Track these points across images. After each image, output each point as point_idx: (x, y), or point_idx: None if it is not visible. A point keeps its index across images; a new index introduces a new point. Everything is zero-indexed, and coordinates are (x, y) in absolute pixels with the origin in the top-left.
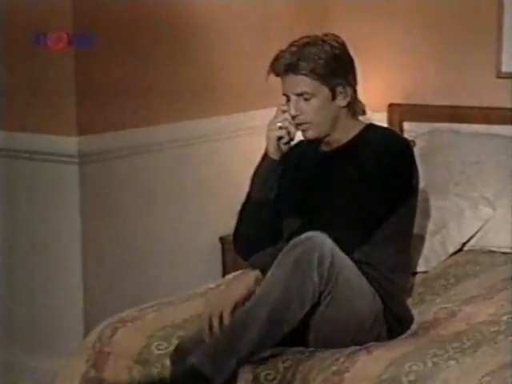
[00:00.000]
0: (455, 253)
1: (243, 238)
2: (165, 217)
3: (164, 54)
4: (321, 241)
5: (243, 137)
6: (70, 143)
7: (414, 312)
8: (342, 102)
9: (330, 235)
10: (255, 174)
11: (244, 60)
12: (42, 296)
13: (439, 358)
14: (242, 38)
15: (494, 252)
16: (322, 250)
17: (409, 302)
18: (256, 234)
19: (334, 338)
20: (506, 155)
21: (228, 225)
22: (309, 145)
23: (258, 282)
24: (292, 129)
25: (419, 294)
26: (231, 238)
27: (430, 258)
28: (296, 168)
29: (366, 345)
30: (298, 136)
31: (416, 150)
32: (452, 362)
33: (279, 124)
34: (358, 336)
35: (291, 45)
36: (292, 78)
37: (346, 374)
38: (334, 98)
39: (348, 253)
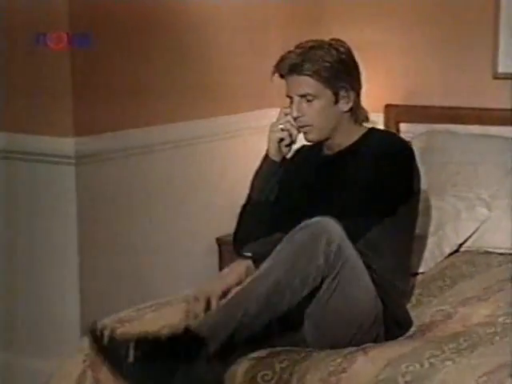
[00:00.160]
0: (452, 254)
1: (243, 239)
2: (161, 218)
3: (161, 55)
4: (330, 225)
5: (240, 138)
6: (67, 144)
7: (411, 315)
8: (344, 106)
9: None
10: (256, 175)
11: (241, 61)
12: (39, 296)
13: (436, 358)
14: (239, 39)
15: (490, 253)
16: (330, 234)
17: (406, 303)
18: (256, 235)
19: (333, 336)
20: (502, 156)
21: (225, 226)
22: (311, 149)
23: (248, 271)
24: (294, 131)
25: (416, 296)
26: (228, 238)
27: (426, 258)
28: (298, 172)
29: (363, 345)
30: (301, 140)
31: None
32: (448, 363)
33: (281, 126)
34: (357, 336)
35: (297, 46)
36: (296, 79)
37: (343, 375)
38: (336, 101)
39: None
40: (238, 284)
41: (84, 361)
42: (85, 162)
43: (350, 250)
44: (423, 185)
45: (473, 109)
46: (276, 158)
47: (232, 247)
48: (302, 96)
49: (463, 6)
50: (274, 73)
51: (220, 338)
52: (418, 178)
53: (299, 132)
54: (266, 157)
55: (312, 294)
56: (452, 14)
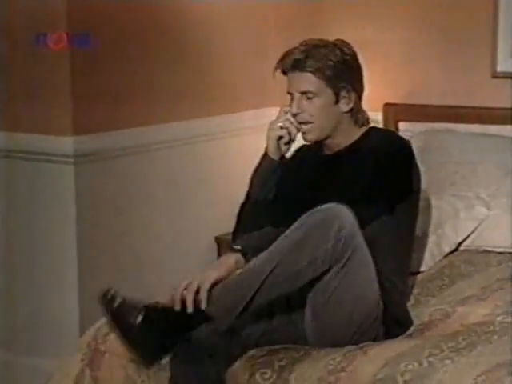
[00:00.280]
0: (450, 253)
1: (239, 234)
2: (160, 216)
3: (160, 55)
4: (343, 211)
5: (239, 137)
6: (66, 143)
7: (410, 314)
8: (344, 107)
9: None
10: (254, 173)
11: (240, 60)
12: (38, 295)
13: (434, 357)
14: (238, 38)
15: (489, 252)
16: (342, 220)
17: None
18: (252, 231)
19: (333, 330)
20: (501, 155)
21: (223, 224)
22: (310, 149)
23: (238, 264)
24: (293, 129)
25: (415, 295)
26: (227, 237)
27: (425, 258)
28: (297, 171)
29: (362, 344)
30: (299, 140)
31: None
32: (447, 362)
33: (280, 124)
34: (356, 336)
35: (301, 44)
36: (298, 76)
37: (342, 374)
38: (337, 101)
39: None
40: (226, 277)
41: (82, 360)
42: (84, 161)
43: (360, 238)
44: (422, 184)
45: (472, 108)
46: (275, 156)
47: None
48: (303, 93)
49: (462, 5)
50: (276, 69)
51: (228, 319)
52: (418, 176)
53: (298, 131)
54: (265, 155)
55: (317, 279)
56: (451, 13)
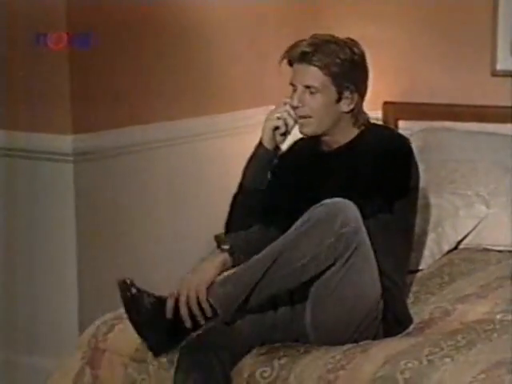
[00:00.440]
0: (450, 251)
1: (234, 227)
2: (159, 215)
3: (159, 54)
4: (348, 207)
5: (239, 135)
6: (65, 141)
7: (410, 312)
8: (345, 107)
9: None
10: (248, 163)
11: (239, 59)
12: (37, 294)
13: (434, 355)
14: (237, 37)
15: (488, 250)
16: (346, 215)
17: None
18: (246, 224)
19: (334, 329)
20: (501, 153)
21: (223, 223)
22: (307, 144)
23: (226, 264)
24: (290, 121)
25: (414, 293)
26: None
27: (424, 256)
28: (294, 166)
29: (362, 342)
30: (296, 134)
31: None
32: (447, 360)
33: (278, 114)
34: (356, 334)
35: (311, 36)
36: (304, 68)
37: (341, 372)
38: (338, 100)
39: None
40: (215, 279)
41: (82, 358)
42: (83, 160)
43: (364, 234)
44: (422, 182)
45: (472, 106)
46: (269, 145)
47: None
48: (307, 87)
49: (462, 4)
50: (283, 58)
51: (230, 310)
52: (417, 174)
53: (295, 123)
54: (260, 144)
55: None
56: (450, 11)
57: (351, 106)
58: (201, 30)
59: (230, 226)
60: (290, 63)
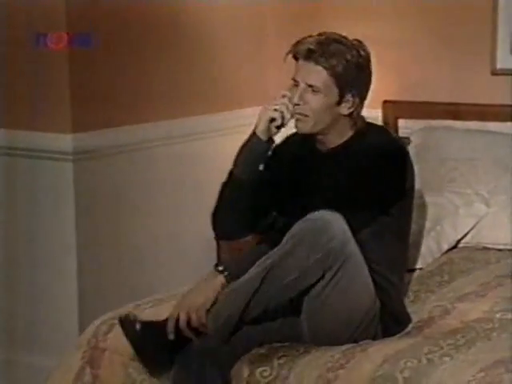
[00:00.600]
0: (450, 250)
1: (219, 214)
2: (159, 213)
3: (159, 53)
4: (334, 220)
5: (238, 134)
6: (65, 140)
7: (409, 310)
8: (345, 110)
9: None
10: (240, 151)
11: (238, 59)
12: (37, 293)
13: (434, 354)
14: (236, 36)
15: (488, 249)
16: (333, 229)
17: (404, 300)
18: (233, 212)
19: (330, 334)
20: (501, 152)
21: None
22: (302, 141)
23: (223, 286)
24: (287, 114)
25: (414, 292)
26: None
27: (424, 254)
28: (288, 162)
29: (361, 342)
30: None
31: (411, 147)
32: (446, 359)
33: (275, 106)
34: (355, 335)
35: (320, 34)
36: (310, 66)
37: (341, 371)
38: (339, 103)
39: None
40: (214, 300)
41: (82, 357)
42: (83, 158)
43: (352, 246)
44: (422, 181)
45: (471, 105)
46: (263, 136)
47: (230, 243)
48: (309, 85)
49: (462, 2)
50: (289, 53)
51: (225, 333)
52: (412, 176)
53: (292, 117)
54: (253, 134)
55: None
56: (450, 10)
57: (351, 110)
58: (201, 29)
59: (217, 215)
60: (296, 57)
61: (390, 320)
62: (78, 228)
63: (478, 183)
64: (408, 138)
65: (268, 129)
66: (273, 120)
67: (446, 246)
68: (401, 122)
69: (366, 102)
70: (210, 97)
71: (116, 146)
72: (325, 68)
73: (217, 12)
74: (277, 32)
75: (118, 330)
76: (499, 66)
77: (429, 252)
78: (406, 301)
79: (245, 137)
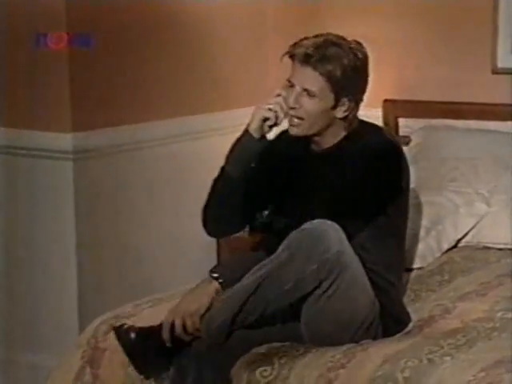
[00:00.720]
0: (450, 249)
1: (209, 210)
2: (160, 213)
3: (159, 53)
4: (330, 230)
5: (239, 133)
6: (65, 139)
7: (410, 309)
8: (340, 113)
9: None
10: (232, 148)
11: (237, 58)
12: (37, 292)
13: (434, 354)
14: (235, 35)
15: (489, 248)
16: (329, 240)
17: (404, 299)
18: (222, 209)
19: (331, 337)
20: (501, 151)
21: None
22: (296, 141)
23: (217, 292)
24: (281, 114)
25: (414, 291)
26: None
27: (425, 254)
28: (283, 164)
29: (362, 342)
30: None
31: (411, 146)
32: (447, 359)
33: (270, 106)
34: (355, 338)
35: (317, 36)
36: (307, 71)
37: (341, 371)
38: (335, 107)
39: None
40: (209, 306)
41: (82, 357)
42: (83, 158)
43: (349, 256)
44: (422, 180)
45: (472, 104)
46: (256, 134)
47: (229, 241)
48: (305, 89)
49: (462, 1)
50: (285, 54)
51: (219, 339)
52: (408, 175)
53: (286, 116)
54: (246, 132)
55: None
56: (451, 9)
57: (346, 113)
58: (200, 29)
59: (207, 211)
60: (292, 58)
61: (390, 320)
62: (77, 227)
63: (478, 182)
64: (408, 137)
65: (261, 127)
66: (266, 119)
67: (446, 246)
68: (401, 121)
69: (367, 101)
70: (209, 96)
71: (116, 145)
72: (321, 74)
73: (216, 11)
74: (277, 31)
75: None
76: (500, 65)
77: (429, 251)
78: (407, 299)
79: None
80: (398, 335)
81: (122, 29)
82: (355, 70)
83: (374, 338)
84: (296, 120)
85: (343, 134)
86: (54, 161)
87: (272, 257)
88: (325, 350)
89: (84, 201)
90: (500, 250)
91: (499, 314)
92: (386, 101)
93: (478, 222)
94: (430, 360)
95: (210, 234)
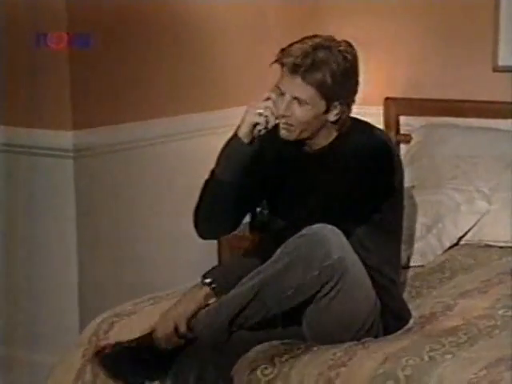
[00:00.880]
0: (451, 247)
1: (199, 212)
2: (160, 211)
3: (159, 52)
4: (330, 235)
5: None
6: (65, 137)
7: (411, 306)
8: (332, 117)
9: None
10: (222, 152)
11: (237, 58)
12: (38, 290)
13: (435, 352)
14: (235, 34)
15: (490, 246)
16: (330, 245)
17: (405, 296)
18: (212, 211)
19: (333, 337)
20: (502, 149)
21: None
22: (288, 143)
23: (207, 298)
24: (271, 119)
25: (415, 288)
26: (227, 236)
27: (426, 252)
28: (276, 163)
29: (363, 340)
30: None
31: (412, 144)
32: (448, 357)
33: (260, 111)
34: (356, 337)
35: (304, 41)
36: (296, 81)
37: (342, 369)
38: (327, 111)
39: None
40: (197, 311)
41: (83, 356)
42: (83, 156)
43: (350, 260)
44: (423, 178)
45: (473, 102)
46: (246, 139)
47: (230, 240)
48: (296, 98)
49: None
50: (274, 62)
51: (214, 332)
52: (401, 172)
53: (277, 119)
54: (235, 136)
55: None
56: (453, 7)
57: (338, 116)
58: (200, 28)
59: (198, 213)
60: (281, 65)
61: (391, 317)
62: (78, 225)
63: (479, 180)
64: (409, 135)
65: (251, 132)
66: (257, 124)
67: (447, 243)
68: (402, 119)
69: (368, 99)
70: (209, 94)
71: (116, 144)
72: (311, 83)
73: (216, 11)
74: (277, 30)
75: (118, 328)
76: (501, 63)
77: (430, 249)
78: (408, 296)
79: None
80: (398, 332)
81: (122, 30)
82: (345, 74)
83: (375, 336)
84: (287, 126)
85: (335, 134)
86: (55, 159)
87: (270, 262)
88: (325, 348)
89: (84, 199)
90: (501, 247)
91: (500, 312)
92: (387, 99)
93: (478, 220)
94: (431, 358)
95: (201, 235)
